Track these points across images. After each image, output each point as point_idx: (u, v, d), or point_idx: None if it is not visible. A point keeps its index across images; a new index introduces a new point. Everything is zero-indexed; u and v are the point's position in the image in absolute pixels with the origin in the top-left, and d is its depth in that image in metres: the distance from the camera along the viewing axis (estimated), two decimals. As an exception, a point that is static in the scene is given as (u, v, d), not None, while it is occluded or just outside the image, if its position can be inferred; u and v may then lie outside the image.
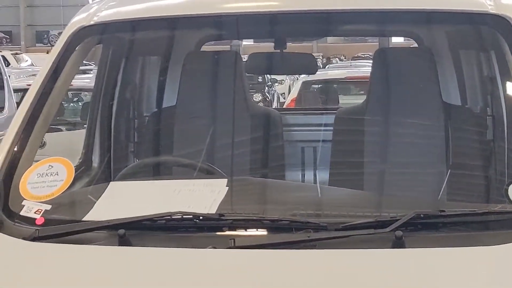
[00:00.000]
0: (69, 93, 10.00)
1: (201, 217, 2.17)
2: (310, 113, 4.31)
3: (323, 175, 3.23)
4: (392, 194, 2.73)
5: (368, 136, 3.13)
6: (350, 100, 10.33)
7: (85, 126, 6.62)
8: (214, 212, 2.20)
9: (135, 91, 3.64)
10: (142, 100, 3.69)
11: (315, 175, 3.46)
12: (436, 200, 2.60)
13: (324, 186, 2.80)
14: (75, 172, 2.46)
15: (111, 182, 2.58)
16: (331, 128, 3.34)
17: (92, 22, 2.82)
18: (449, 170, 2.91)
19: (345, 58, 35.31)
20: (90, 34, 2.86)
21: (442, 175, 2.87)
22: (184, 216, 2.17)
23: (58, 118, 10.54)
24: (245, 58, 3.69)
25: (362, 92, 10.99)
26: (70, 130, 9.02)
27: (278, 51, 3.43)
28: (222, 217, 2.16)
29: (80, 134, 5.62)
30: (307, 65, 3.72)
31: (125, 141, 3.51)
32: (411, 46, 4.16)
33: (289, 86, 18.42)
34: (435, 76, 3.18)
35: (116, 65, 3.45)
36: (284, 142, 3.45)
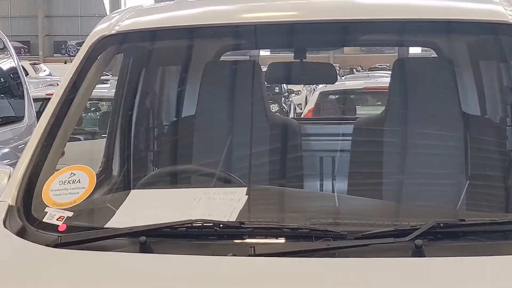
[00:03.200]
0: (87, 103, 10.06)
1: (221, 225, 2.18)
2: (329, 123, 4.33)
3: (342, 185, 3.24)
4: (411, 203, 2.74)
5: (386, 146, 3.14)
6: (368, 111, 10.32)
7: (103, 135, 6.65)
8: (234, 220, 2.21)
9: (155, 100, 3.67)
10: (161, 109, 3.72)
11: (333, 185, 3.46)
12: (456, 210, 2.60)
13: (343, 195, 2.81)
14: (96, 180, 2.48)
15: (132, 190, 2.60)
16: (350, 138, 3.35)
17: (113, 32, 2.85)
18: (468, 181, 2.91)
19: (362, 69, 35.27)
20: (111, 43, 2.89)
21: (461, 186, 2.87)
22: (204, 224, 2.18)
23: (76, 127, 10.63)
24: (263, 68, 3.71)
25: (379, 102, 10.99)
26: (88, 140, 9.08)
27: (298, 60, 3.45)
28: (242, 225, 2.17)
29: (98, 144, 5.66)
30: (327, 74, 3.74)
31: (144, 150, 3.54)
32: (430, 56, 4.17)
33: (306, 97, 18.45)
34: (455, 86, 3.18)
35: (136, 74, 3.49)
36: (303, 151, 3.46)
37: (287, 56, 3.57)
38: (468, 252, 2.05)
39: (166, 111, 3.73)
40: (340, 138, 3.60)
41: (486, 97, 3.42)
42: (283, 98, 17.51)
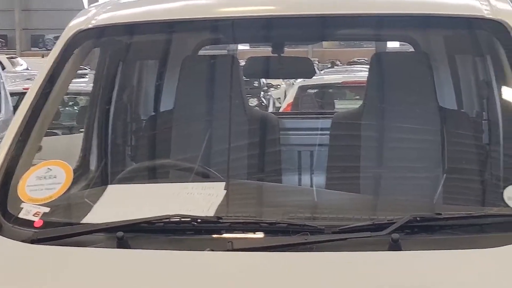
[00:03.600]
0: (65, 97, 9.99)
1: (199, 220, 2.18)
2: (307, 117, 4.33)
3: (320, 179, 3.25)
4: (389, 197, 2.75)
5: (364, 140, 3.15)
6: (346, 105, 10.34)
7: (81, 130, 6.60)
8: (212, 215, 2.21)
9: (133, 94, 3.66)
10: (139, 103, 3.70)
11: (311, 179, 3.47)
12: (433, 204, 2.61)
13: (321, 190, 2.81)
14: (73, 175, 2.47)
15: (109, 185, 2.59)
16: (328, 132, 3.36)
17: (90, 26, 2.83)
18: (445, 174, 2.93)
19: (340, 63, 35.28)
20: (88, 37, 2.87)
21: (438, 179, 2.89)
22: (182, 219, 2.18)
23: (54, 122, 10.54)
24: (241, 63, 3.71)
25: (358, 97, 11.01)
26: (65, 134, 9.02)
27: (276, 55, 3.44)
28: (220, 220, 2.17)
29: (76, 138, 5.62)
30: (304, 69, 3.74)
31: (122, 144, 3.52)
32: (408, 51, 4.18)
33: (285, 91, 18.45)
34: (431, 81, 3.19)
35: (114, 68, 3.47)
36: (281, 146, 3.47)
37: (267, 50, 3.56)
38: (444, 245, 2.06)
39: (144, 106, 3.72)
40: (319, 132, 3.60)
41: (462, 91, 3.44)
42: (262, 92, 17.50)
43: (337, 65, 29.86)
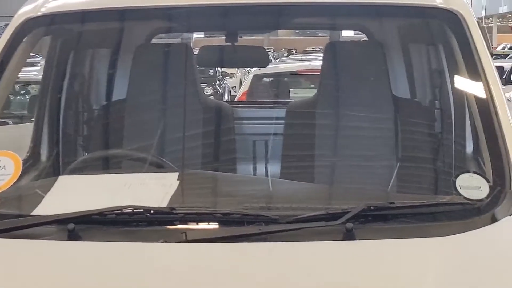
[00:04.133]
0: (16, 86, 9.81)
1: (152, 211, 2.15)
2: (262, 107, 4.30)
3: (275, 169, 3.24)
4: (343, 186, 2.75)
5: (318, 129, 3.15)
6: (301, 94, 10.36)
7: (32, 119, 6.49)
8: (165, 205, 2.18)
9: (84, 84, 3.59)
10: (91, 93, 3.64)
11: (266, 169, 3.46)
12: (387, 192, 2.62)
13: (276, 179, 2.80)
14: (23, 166, 2.42)
15: (60, 176, 2.54)
16: (283, 121, 3.35)
17: (39, 13, 2.77)
18: (399, 163, 2.95)
19: (295, 52, 35.33)
20: (37, 25, 2.81)
21: (392, 168, 2.90)
22: (135, 210, 2.15)
23: (4, 111, 10.35)
24: (196, 51, 3.67)
25: (313, 85, 11.03)
26: (16, 124, 8.86)
27: (230, 44, 3.41)
28: (174, 211, 2.15)
29: (27, 128, 5.52)
30: (259, 58, 3.71)
31: (74, 134, 3.46)
32: (361, 40, 4.19)
33: (240, 80, 18.43)
34: (385, 70, 3.20)
35: (65, 57, 3.40)
36: (236, 135, 3.45)
37: (222, 38, 3.53)
38: (398, 234, 2.07)
39: (96, 95, 3.66)
40: (273, 121, 3.59)
41: (415, 80, 3.45)
42: (217, 81, 17.45)
43: (293, 54, 29.89)
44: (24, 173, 2.88)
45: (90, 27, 3.13)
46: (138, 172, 2.56)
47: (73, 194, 2.34)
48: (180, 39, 4.04)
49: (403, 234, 2.06)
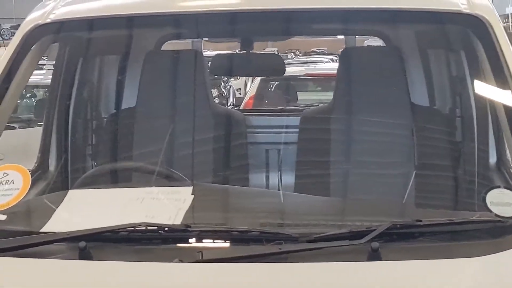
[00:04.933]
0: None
1: (166, 229, 2.06)
2: (275, 114, 4.20)
3: (289, 179, 3.15)
4: (364, 201, 2.65)
5: (334, 138, 3.06)
6: (309, 97, 10.29)
7: (39, 124, 6.37)
8: (179, 222, 2.09)
9: (93, 91, 3.51)
10: (100, 101, 3.55)
11: (280, 179, 3.36)
12: (411, 208, 2.52)
13: (294, 194, 2.70)
14: (31, 176, 2.34)
15: (70, 190, 2.45)
16: (297, 130, 3.26)
17: (48, 20, 2.69)
18: (419, 175, 2.85)
19: (300, 53, 35.23)
20: (46, 32, 2.72)
21: (412, 180, 2.81)
22: (148, 228, 2.06)
23: (11, 115, 10.26)
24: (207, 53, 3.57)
25: (319, 88, 10.96)
26: (23, 128, 8.78)
27: (245, 51, 3.31)
28: (189, 228, 2.05)
29: (34, 133, 5.43)
30: (275, 66, 3.60)
31: (82, 143, 3.37)
32: (379, 46, 4.09)
33: (245, 81, 18.33)
34: (403, 76, 3.11)
35: (73, 65, 3.31)
36: (248, 144, 3.35)
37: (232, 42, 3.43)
38: (425, 254, 1.97)
39: (105, 103, 3.57)
40: (287, 130, 3.49)
41: (435, 88, 3.35)
42: (222, 83, 17.34)
43: (296, 55, 29.75)
44: (32, 184, 2.80)
45: (99, 34, 3.05)
46: (150, 186, 2.47)
47: (83, 209, 2.25)
48: (191, 44, 3.91)
49: (432, 254, 1.96)
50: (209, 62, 3.59)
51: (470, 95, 2.99)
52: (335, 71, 9.67)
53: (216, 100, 14.63)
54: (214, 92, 15.44)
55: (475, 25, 2.50)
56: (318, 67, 11.75)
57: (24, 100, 10.23)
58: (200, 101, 3.22)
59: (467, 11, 2.52)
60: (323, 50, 30.27)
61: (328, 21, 3.04)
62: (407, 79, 3.14)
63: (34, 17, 2.74)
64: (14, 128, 8.63)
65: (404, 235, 2.03)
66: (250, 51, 3.32)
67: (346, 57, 3.26)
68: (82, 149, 3.36)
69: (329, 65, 12.98)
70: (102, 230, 2.05)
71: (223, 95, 16.63)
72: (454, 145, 3.02)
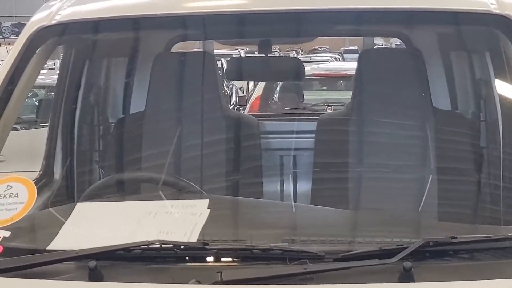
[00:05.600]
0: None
1: (182, 246, 1.92)
2: (289, 119, 4.04)
3: (306, 187, 3.01)
4: (391, 212, 2.51)
5: (353, 144, 2.92)
6: (315, 96, 10.15)
7: (41, 125, 6.20)
8: (196, 239, 1.95)
9: (100, 95, 3.36)
10: (107, 105, 3.40)
11: (296, 187, 3.21)
12: (440, 220, 2.38)
13: (317, 207, 2.56)
14: (36, 185, 2.20)
15: (78, 203, 2.30)
16: (313, 135, 3.12)
17: (53, 22, 2.55)
18: (443, 182, 2.72)
19: (302, 52, 35.03)
20: (51, 35, 2.58)
21: (438, 188, 2.67)
22: (162, 245, 1.92)
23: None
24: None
25: (325, 87, 10.83)
26: (25, 129, 8.62)
27: (263, 55, 3.16)
28: (206, 246, 1.91)
29: (36, 134, 5.26)
30: (295, 70, 3.43)
31: (89, 150, 3.23)
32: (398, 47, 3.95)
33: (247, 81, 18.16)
34: (425, 80, 2.97)
35: (79, 67, 3.16)
36: (262, 151, 3.21)
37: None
38: (462, 274, 1.83)
39: (112, 107, 3.42)
40: (303, 136, 3.35)
41: (457, 91, 3.21)
42: (225, 82, 17.18)
43: (298, 54, 29.53)
44: (37, 193, 2.67)
45: (106, 36, 2.90)
46: (163, 198, 2.33)
47: (93, 224, 2.11)
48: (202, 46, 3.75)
49: (469, 275, 1.82)
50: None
51: (496, 98, 2.85)
52: (342, 71, 9.53)
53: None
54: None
55: (505, 25, 2.36)
56: (324, 66, 11.59)
57: (27, 100, 10.07)
58: (212, 105, 3.09)
59: (497, 11, 2.39)
60: (325, 49, 30.10)
61: (347, 22, 2.90)
62: (428, 82, 2.99)
63: (39, 18, 2.60)
64: (16, 129, 8.49)
65: (438, 253, 1.90)
66: (268, 55, 3.16)
67: (365, 59, 3.12)
68: (89, 155, 3.21)
69: (334, 65, 12.83)
70: (114, 248, 1.91)
71: (226, 94, 16.48)
72: (478, 150, 2.88)
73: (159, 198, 2.32)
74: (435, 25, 2.82)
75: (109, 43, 3.11)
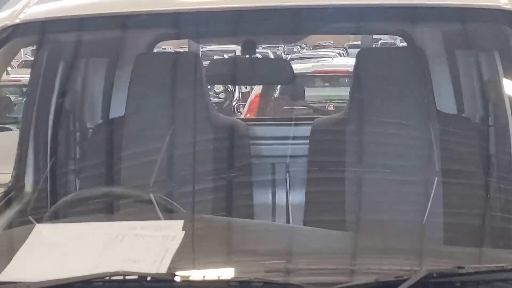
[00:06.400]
0: (23, 88, 9.32)
1: (148, 278, 1.67)
2: (281, 124, 3.78)
3: (299, 199, 2.77)
4: (390, 235, 2.26)
5: (351, 153, 2.68)
6: (316, 93, 9.91)
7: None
8: (165, 270, 1.70)
9: (77, 99, 3.10)
10: (84, 110, 3.15)
11: (288, 201, 2.95)
12: (444, 243, 2.13)
13: (306, 228, 2.31)
14: (4, 198, 1.96)
15: (37, 225, 2.05)
16: (307, 141, 2.88)
17: (17, 21, 2.31)
18: (444, 193, 2.48)
19: (306, 47, 34.75)
20: (16, 34, 2.33)
21: (441, 203, 2.42)
22: (126, 277, 1.67)
23: (7, 115, 9.83)
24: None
25: (327, 84, 10.59)
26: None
27: (247, 56, 2.90)
28: (175, 279, 1.66)
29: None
30: (282, 73, 3.16)
31: (64, 159, 2.97)
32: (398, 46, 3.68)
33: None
34: (429, 81, 2.73)
35: (53, 70, 2.90)
36: (252, 158, 2.96)
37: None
38: None
39: (90, 112, 3.17)
40: (296, 141, 3.10)
41: (463, 93, 2.96)
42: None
43: (303, 49, 29.25)
44: (6, 206, 2.43)
45: (82, 35, 2.65)
46: (135, 215, 2.09)
47: (49, 251, 1.86)
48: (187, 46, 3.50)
49: None
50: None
51: (505, 101, 2.60)
52: (344, 68, 9.25)
53: (222, 95, 14.26)
54: (220, 88, 15.03)
55: None
56: (326, 63, 11.34)
57: (19, 98, 9.83)
58: (198, 110, 2.84)
59: (507, 6, 2.16)
60: (329, 44, 29.82)
61: (345, 19, 2.64)
62: (432, 83, 2.74)
63: (2, 17, 2.36)
64: (9, 129, 8.24)
65: (444, 285, 1.64)
66: (253, 56, 2.90)
67: (363, 59, 2.87)
68: (64, 165, 2.96)
69: (337, 61, 12.58)
70: (71, 280, 1.66)
71: (229, 90, 16.21)
72: (487, 159, 2.63)
73: (132, 217, 2.08)
74: (440, 22, 2.57)
75: (84, 43, 2.86)
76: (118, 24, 2.49)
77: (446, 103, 2.91)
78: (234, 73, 3.08)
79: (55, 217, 2.20)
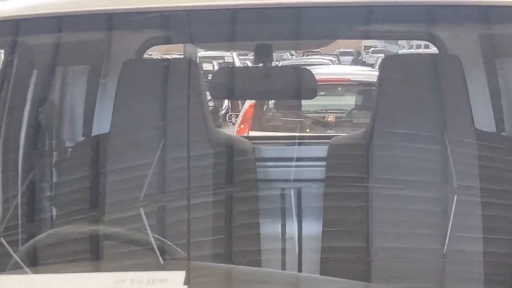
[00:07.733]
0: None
1: None
2: (292, 143, 3.36)
3: (314, 231, 2.39)
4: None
5: (376, 177, 2.30)
6: (314, 102, 9.60)
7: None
8: None
9: (53, 114, 2.70)
10: (62, 126, 2.75)
11: (300, 235, 2.55)
12: None
13: (319, 277, 1.93)
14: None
15: None
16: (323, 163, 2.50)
17: None
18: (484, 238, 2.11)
19: (295, 54, 34.54)
20: None
21: (480, 249, 2.05)
22: None
23: None
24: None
25: (323, 93, 10.29)
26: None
27: (261, 65, 2.49)
28: None
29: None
30: (305, 86, 2.71)
31: (39, 182, 2.56)
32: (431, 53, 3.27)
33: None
34: (465, 95, 2.34)
35: (24, 79, 2.50)
36: (258, 182, 2.56)
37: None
38: None
39: (69, 128, 2.78)
40: (311, 163, 2.72)
41: (504, 109, 2.58)
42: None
43: (292, 55, 29.07)
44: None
45: (60, 37, 2.27)
46: (125, 262, 1.69)
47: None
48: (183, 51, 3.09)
49: None
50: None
51: None
52: (343, 76, 8.91)
53: (211, 103, 13.89)
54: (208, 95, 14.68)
55: None
56: (323, 71, 11.05)
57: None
58: (195, 126, 2.45)
59: None
60: (319, 50, 29.69)
61: (366, 21, 2.26)
62: (469, 98, 2.36)
63: None
64: None
65: None
66: (268, 64, 2.49)
67: (388, 68, 2.48)
68: (39, 189, 2.55)
69: (333, 68, 12.31)
70: None
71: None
72: None
73: (121, 262, 1.68)
74: (477, 24, 2.20)
75: (63, 47, 2.45)
76: (101, 25, 2.13)
77: (483, 120, 2.53)
78: (245, 86, 2.64)
79: (23, 264, 1.79)
